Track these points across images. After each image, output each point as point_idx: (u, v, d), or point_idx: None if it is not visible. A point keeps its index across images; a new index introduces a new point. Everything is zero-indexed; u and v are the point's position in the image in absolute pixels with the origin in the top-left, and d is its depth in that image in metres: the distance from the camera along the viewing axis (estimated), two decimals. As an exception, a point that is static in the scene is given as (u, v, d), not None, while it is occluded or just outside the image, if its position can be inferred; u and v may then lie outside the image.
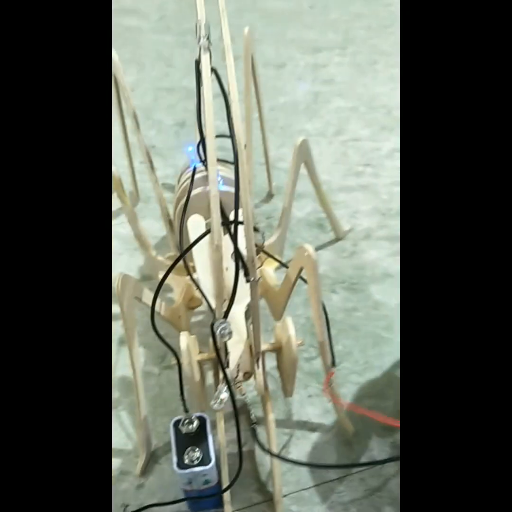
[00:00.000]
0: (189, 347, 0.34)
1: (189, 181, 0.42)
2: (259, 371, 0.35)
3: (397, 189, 0.63)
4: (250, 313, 0.39)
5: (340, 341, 0.50)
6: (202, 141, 0.31)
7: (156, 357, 0.49)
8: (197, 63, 0.32)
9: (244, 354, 0.36)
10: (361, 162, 0.66)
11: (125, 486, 0.41)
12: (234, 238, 0.28)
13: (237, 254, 0.28)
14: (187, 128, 0.72)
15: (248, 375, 0.36)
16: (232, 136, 0.28)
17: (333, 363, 0.39)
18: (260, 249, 0.31)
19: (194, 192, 0.43)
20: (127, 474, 0.42)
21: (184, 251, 0.33)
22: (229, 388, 0.33)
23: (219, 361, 0.32)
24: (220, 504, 0.39)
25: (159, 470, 0.42)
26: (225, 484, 0.37)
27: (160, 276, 0.47)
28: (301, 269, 0.37)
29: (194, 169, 0.45)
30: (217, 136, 0.56)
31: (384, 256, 0.56)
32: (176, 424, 0.37)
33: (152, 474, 0.42)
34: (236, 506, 0.40)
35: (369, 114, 0.73)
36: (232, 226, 0.29)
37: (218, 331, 0.29)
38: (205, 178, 0.43)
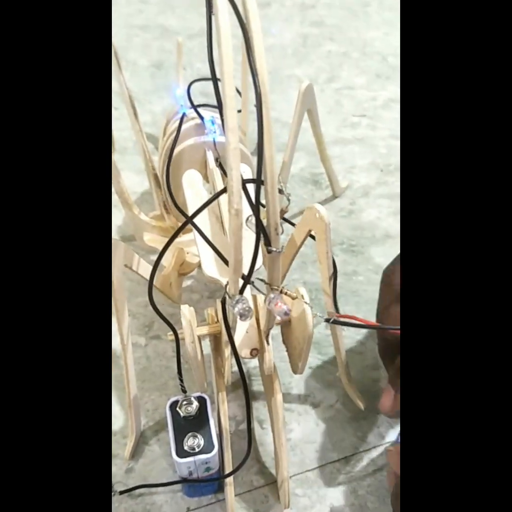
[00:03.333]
0: (191, 322, 0.30)
1: (183, 131, 0.36)
2: (269, 348, 0.31)
3: (395, 143, 0.58)
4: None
5: (341, 307, 0.46)
6: (214, 79, 0.25)
7: (142, 327, 0.44)
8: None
9: (251, 329, 0.32)
10: (356, 113, 0.61)
11: (113, 470, 0.37)
12: (256, 201, 0.23)
13: (258, 220, 0.23)
14: (165, 70, 0.66)
15: (256, 352, 0.32)
16: (253, 73, 0.23)
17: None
18: (283, 214, 0.27)
19: (186, 143, 0.37)
20: (114, 457, 0.38)
21: (193, 215, 0.28)
22: (239, 366, 0.29)
23: (230, 340, 0.28)
24: (219, 489, 0.36)
25: (149, 452, 0.38)
26: (228, 470, 0.34)
27: (145, 237, 0.42)
28: (308, 232, 0.33)
29: (183, 116, 0.40)
30: (201, 80, 0.50)
31: (384, 216, 0.52)
32: (173, 406, 0.33)
33: (141, 457, 0.38)
34: (236, 490, 0.36)
35: (362, 60, 0.68)
36: (251, 186, 0.24)
37: (236, 310, 0.25)
38: (198, 127, 0.38)
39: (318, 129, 0.45)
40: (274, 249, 0.24)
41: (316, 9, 0.75)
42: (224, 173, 0.36)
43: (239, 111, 0.50)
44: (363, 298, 0.47)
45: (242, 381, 0.29)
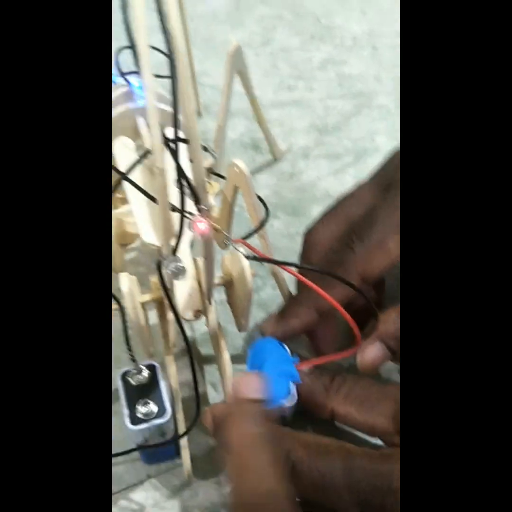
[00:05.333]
0: (132, 289, 0.30)
1: (113, 98, 0.36)
2: (211, 308, 0.32)
3: (331, 103, 0.59)
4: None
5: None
6: (132, 45, 0.25)
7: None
8: None
9: (193, 291, 0.32)
10: (292, 75, 0.61)
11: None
12: (175, 156, 0.23)
13: (180, 176, 0.23)
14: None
15: (199, 313, 0.32)
16: (162, 18, 0.23)
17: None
18: (210, 171, 0.27)
19: (117, 111, 0.37)
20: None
21: (128, 171, 0.28)
22: (180, 326, 0.30)
23: (169, 300, 0.28)
24: (177, 453, 0.36)
25: (106, 425, 0.38)
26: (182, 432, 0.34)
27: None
28: (236, 188, 0.33)
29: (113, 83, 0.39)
30: (126, 48, 0.49)
31: (323, 176, 0.53)
32: (124, 376, 0.33)
33: (98, 430, 0.38)
34: (193, 452, 0.37)
35: (296, 22, 0.67)
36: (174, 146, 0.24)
37: (169, 269, 0.25)
38: (128, 94, 0.37)
39: (251, 91, 0.45)
40: (202, 206, 0.24)
41: (246, -28, 0.74)
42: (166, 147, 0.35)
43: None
44: (308, 257, 0.47)
45: (185, 341, 0.30)
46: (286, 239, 0.49)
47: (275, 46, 0.64)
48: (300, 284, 0.37)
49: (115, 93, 0.37)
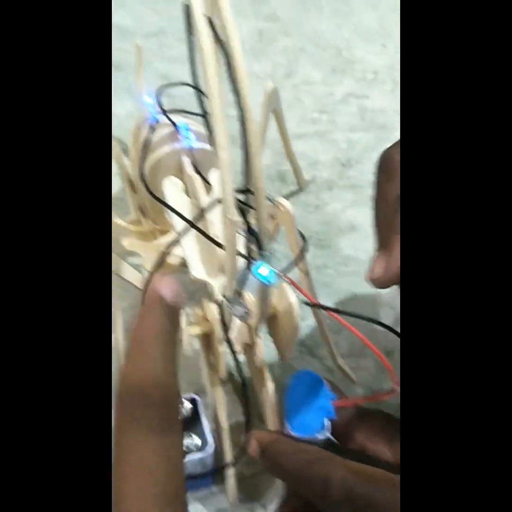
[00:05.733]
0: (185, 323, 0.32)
1: (157, 138, 0.37)
2: (260, 342, 0.33)
3: (354, 137, 0.60)
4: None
5: (313, 300, 0.48)
6: (197, 89, 0.27)
7: (125, 332, 0.45)
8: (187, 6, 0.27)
9: (242, 326, 0.34)
10: (315, 108, 0.63)
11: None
12: (244, 209, 0.25)
13: (247, 225, 0.25)
14: (123, 71, 0.65)
15: (247, 346, 0.34)
16: (234, 81, 0.24)
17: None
18: (272, 218, 0.29)
19: (163, 150, 0.38)
20: (107, 460, 0.39)
21: (196, 219, 0.29)
22: (237, 363, 0.31)
23: (228, 339, 0.30)
24: (212, 482, 0.38)
25: (143, 453, 0.39)
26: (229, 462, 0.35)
27: (125, 242, 0.43)
28: (277, 225, 0.35)
29: (154, 123, 0.41)
30: (169, 86, 0.51)
31: (347, 208, 0.55)
32: (167, 408, 0.34)
33: (135, 458, 0.39)
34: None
35: (318, 54, 0.69)
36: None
37: (237, 312, 0.27)
38: (173, 134, 0.39)
39: (285, 130, 0.47)
40: (266, 252, 0.26)
41: (269, 3, 0.76)
42: (201, 177, 0.37)
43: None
44: (334, 290, 0.49)
45: (240, 375, 0.32)
46: (313, 271, 0.50)
47: (298, 78, 0.66)
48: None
49: (161, 132, 0.39)
